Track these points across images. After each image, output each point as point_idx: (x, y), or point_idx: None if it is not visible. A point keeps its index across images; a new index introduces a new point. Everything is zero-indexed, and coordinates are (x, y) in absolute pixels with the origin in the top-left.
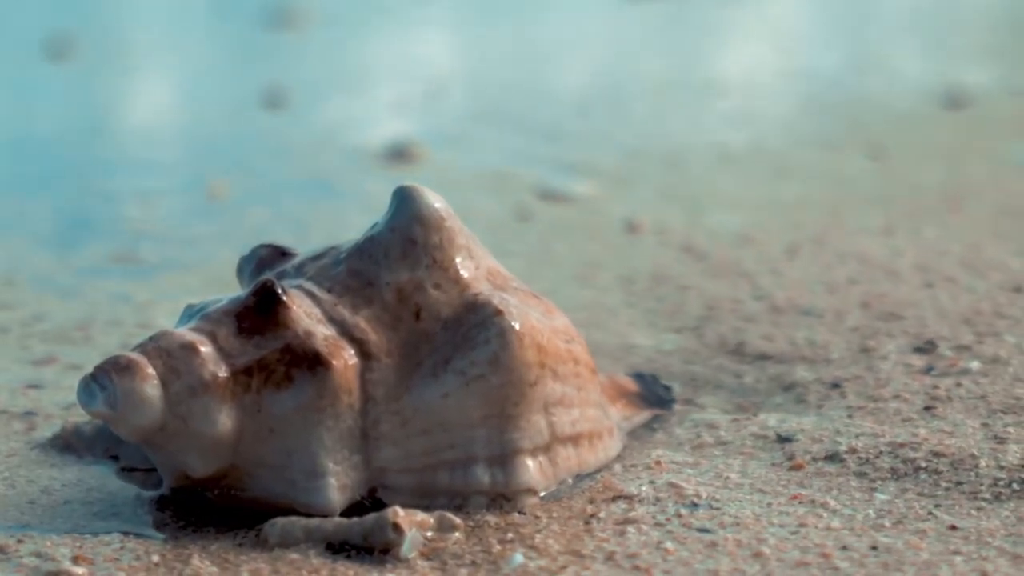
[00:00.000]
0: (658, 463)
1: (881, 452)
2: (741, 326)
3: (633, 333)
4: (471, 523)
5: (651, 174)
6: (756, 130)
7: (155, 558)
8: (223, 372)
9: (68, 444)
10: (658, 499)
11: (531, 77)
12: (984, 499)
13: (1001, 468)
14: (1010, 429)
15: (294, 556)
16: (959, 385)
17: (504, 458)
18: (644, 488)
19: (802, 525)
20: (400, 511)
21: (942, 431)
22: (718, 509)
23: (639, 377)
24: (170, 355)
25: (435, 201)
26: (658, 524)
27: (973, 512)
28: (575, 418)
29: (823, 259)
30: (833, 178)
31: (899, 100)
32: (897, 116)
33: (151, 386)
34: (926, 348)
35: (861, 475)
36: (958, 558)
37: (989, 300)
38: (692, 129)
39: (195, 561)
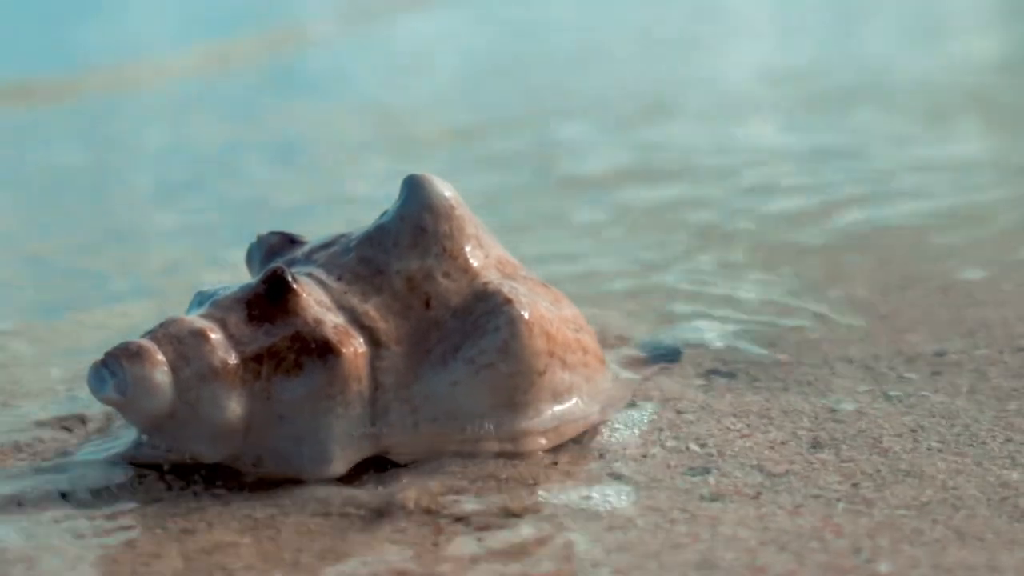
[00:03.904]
0: (671, 425)
1: None
2: None
3: None
4: (480, 491)
5: None
6: None
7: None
8: (233, 359)
9: None
10: (667, 464)
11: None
12: None
13: None
14: None
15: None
16: None
17: (513, 446)
18: (653, 454)
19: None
20: (411, 493)
21: None
22: (725, 476)
23: (646, 345)
24: (180, 342)
25: (445, 190)
26: (668, 491)
27: None
28: (583, 407)
29: None
30: None
31: None
32: None
33: (161, 372)
34: None
35: None
36: None
37: None
38: None
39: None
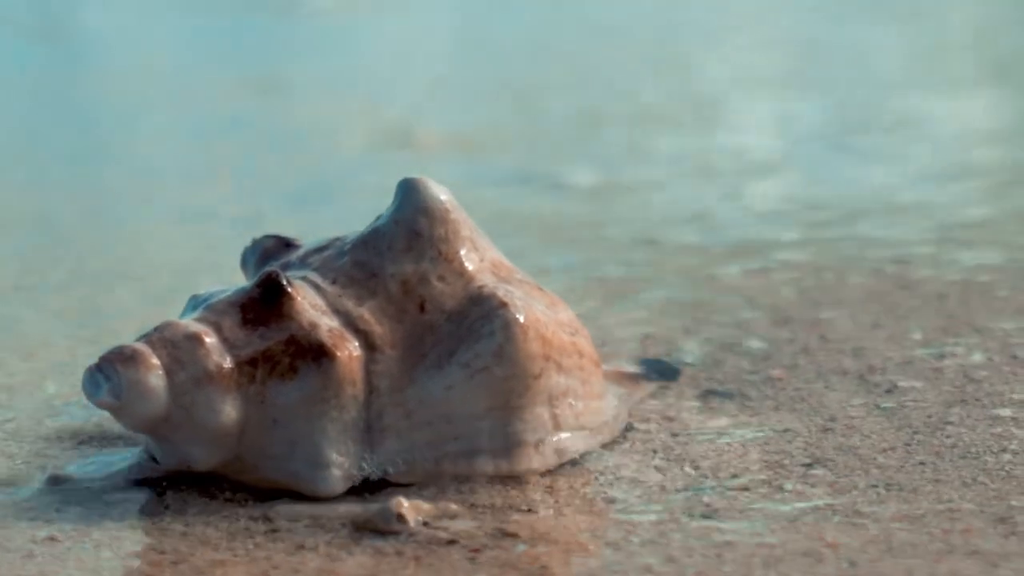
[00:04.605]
0: (665, 447)
1: None
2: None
3: None
4: (474, 510)
5: None
6: None
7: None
8: (228, 363)
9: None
10: (662, 484)
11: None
12: None
13: None
14: None
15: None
16: None
17: (508, 451)
18: (648, 473)
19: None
20: (404, 501)
21: None
22: (720, 496)
23: (643, 363)
24: (175, 345)
25: (440, 193)
26: (663, 510)
27: None
28: (579, 411)
29: None
30: None
31: None
32: None
33: (156, 376)
34: None
35: None
36: None
37: None
38: None
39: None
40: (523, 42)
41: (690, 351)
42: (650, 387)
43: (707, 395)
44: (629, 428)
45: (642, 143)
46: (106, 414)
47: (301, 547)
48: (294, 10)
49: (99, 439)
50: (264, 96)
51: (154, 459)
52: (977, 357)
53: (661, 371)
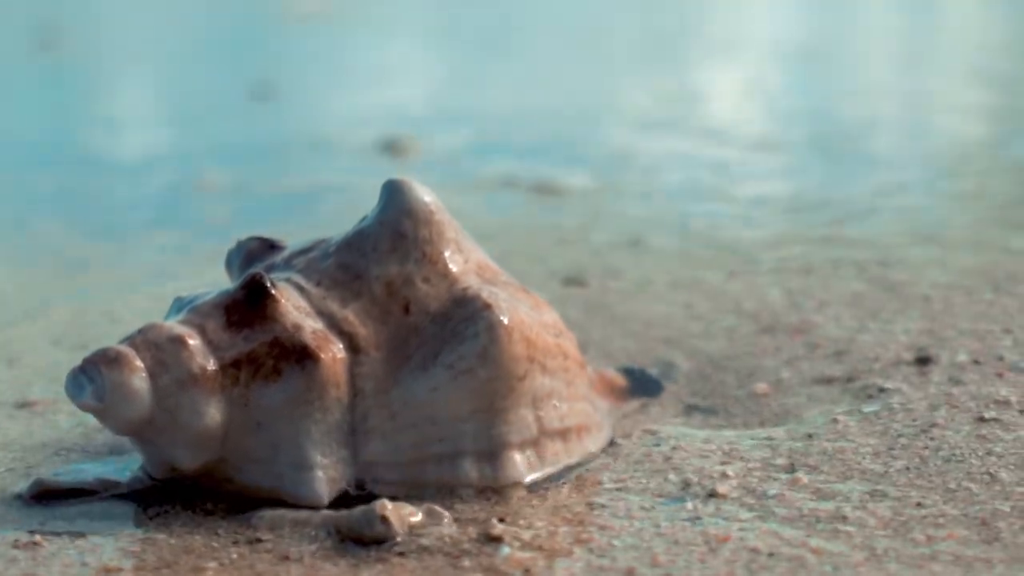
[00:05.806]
0: (647, 456)
1: None
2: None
3: None
4: (458, 515)
5: None
6: None
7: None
8: (211, 365)
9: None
10: (645, 490)
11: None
12: None
13: None
14: None
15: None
16: None
17: (492, 453)
18: (631, 480)
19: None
20: (388, 504)
21: None
22: (703, 503)
23: (628, 372)
24: (159, 348)
25: (424, 195)
26: (645, 516)
27: None
28: (563, 412)
29: None
30: None
31: None
32: None
33: (139, 379)
34: None
35: None
36: None
37: None
38: None
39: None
40: (517, 44)
41: (674, 363)
42: (634, 403)
43: (690, 410)
44: (612, 442)
45: (628, 147)
46: (91, 422)
47: (285, 557)
48: (286, 17)
49: (83, 447)
50: (255, 102)
51: (150, 476)
52: (962, 359)
53: (645, 383)
